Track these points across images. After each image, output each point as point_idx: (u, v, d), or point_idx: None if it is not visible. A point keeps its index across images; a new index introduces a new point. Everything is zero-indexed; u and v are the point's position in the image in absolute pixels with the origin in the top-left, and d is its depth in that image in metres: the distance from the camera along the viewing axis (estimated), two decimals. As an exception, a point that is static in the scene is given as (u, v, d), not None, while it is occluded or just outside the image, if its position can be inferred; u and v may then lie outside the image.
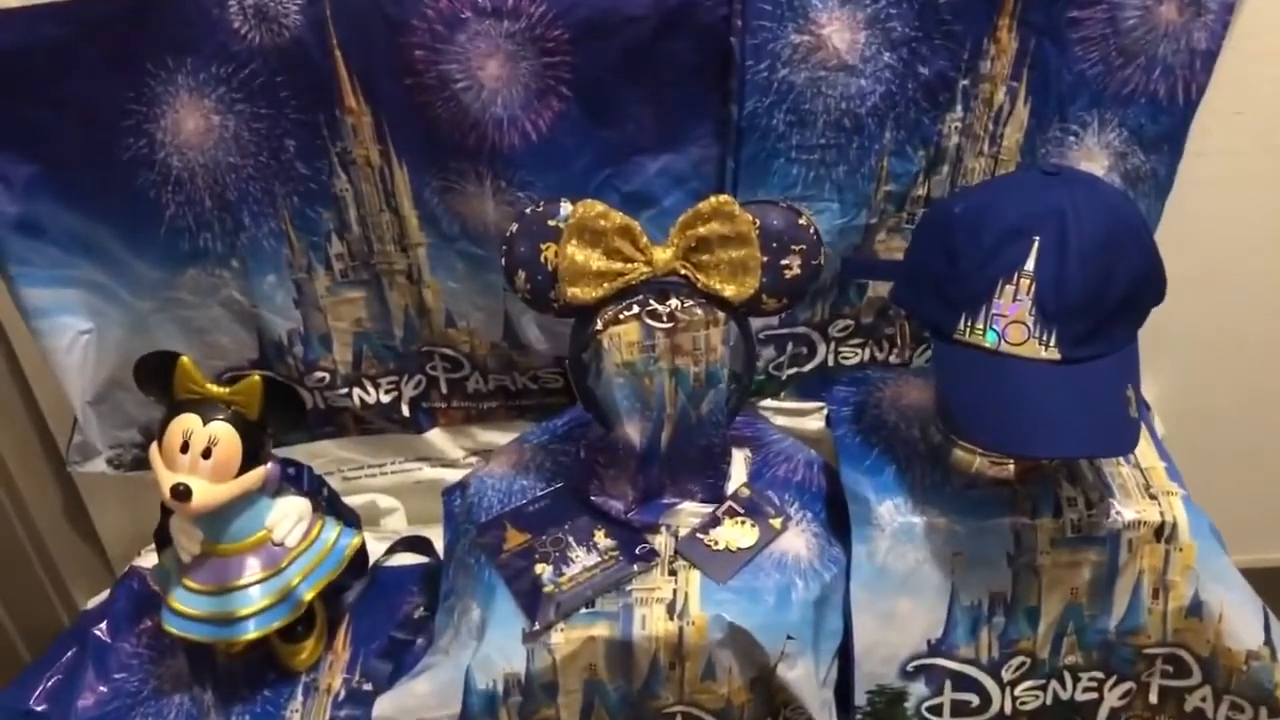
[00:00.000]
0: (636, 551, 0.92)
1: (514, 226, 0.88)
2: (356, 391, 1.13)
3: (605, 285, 0.86)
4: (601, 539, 0.94)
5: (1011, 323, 0.82)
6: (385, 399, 1.14)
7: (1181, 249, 0.85)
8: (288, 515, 0.96)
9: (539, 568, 0.91)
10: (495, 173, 0.97)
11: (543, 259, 0.87)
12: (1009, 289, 0.82)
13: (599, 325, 0.87)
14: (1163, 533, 0.90)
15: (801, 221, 0.87)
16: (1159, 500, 0.91)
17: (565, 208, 0.86)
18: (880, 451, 0.98)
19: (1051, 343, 0.82)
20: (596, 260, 0.86)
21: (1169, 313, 0.88)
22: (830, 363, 1.15)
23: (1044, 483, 0.93)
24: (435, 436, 1.18)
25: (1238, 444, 1.24)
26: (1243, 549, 0.91)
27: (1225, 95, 0.98)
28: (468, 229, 1.02)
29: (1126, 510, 0.90)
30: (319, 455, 1.18)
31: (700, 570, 0.91)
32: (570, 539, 0.94)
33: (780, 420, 1.17)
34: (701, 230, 0.85)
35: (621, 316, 0.87)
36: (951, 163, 1.02)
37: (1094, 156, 1.01)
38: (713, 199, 0.84)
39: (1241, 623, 0.89)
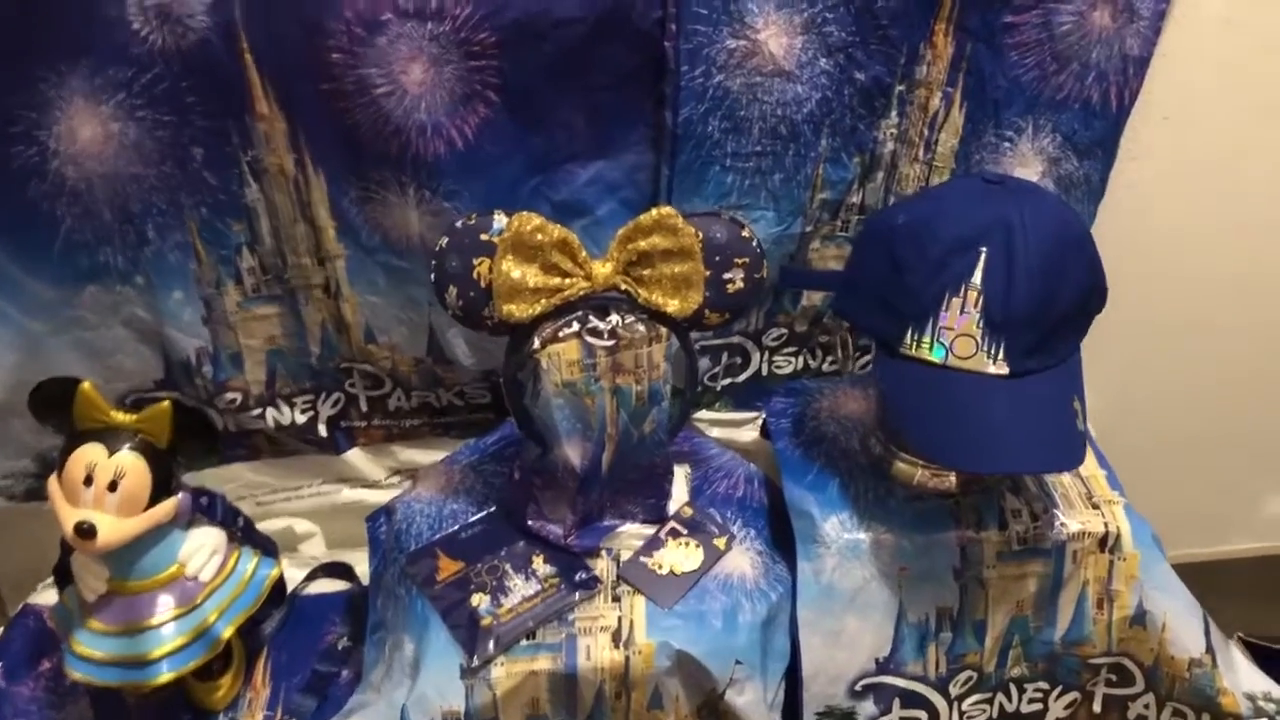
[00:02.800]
0: (578, 578, 0.88)
1: (444, 240, 0.83)
2: (270, 412, 1.06)
3: (542, 302, 0.83)
4: (540, 566, 0.90)
5: (959, 336, 0.81)
6: (301, 419, 1.08)
7: (1112, 252, 0.84)
8: (202, 548, 0.90)
9: (475, 598, 0.87)
10: (419, 181, 0.92)
11: (475, 275, 0.83)
12: (956, 302, 0.80)
13: (536, 344, 0.83)
14: (1106, 543, 0.90)
15: (744, 234, 0.84)
16: (1101, 510, 0.91)
17: (499, 221, 0.82)
18: (822, 465, 0.96)
19: (999, 356, 0.80)
20: (533, 276, 0.82)
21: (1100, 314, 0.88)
22: (764, 372, 1.13)
23: (987, 494, 0.92)
24: (355, 457, 1.13)
25: (1166, 443, 1.26)
26: (1170, 545, 0.92)
27: (1155, 100, 0.98)
28: (389, 240, 0.96)
29: (1071, 521, 0.90)
30: (231, 480, 1.11)
31: (645, 595, 0.87)
32: (507, 567, 0.90)
33: (715, 432, 1.14)
34: (643, 244, 0.82)
35: (560, 334, 0.83)
36: (886, 169, 1.00)
37: (1028, 162, 1.00)
38: (654, 211, 0.81)
39: (1184, 631, 0.90)
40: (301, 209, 0.95)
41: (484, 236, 0.82)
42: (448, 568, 0.91)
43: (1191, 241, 1.11)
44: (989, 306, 0.79)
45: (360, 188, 0.93)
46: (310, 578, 1.11)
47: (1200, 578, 0.97)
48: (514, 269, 0.81)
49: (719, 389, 1.13)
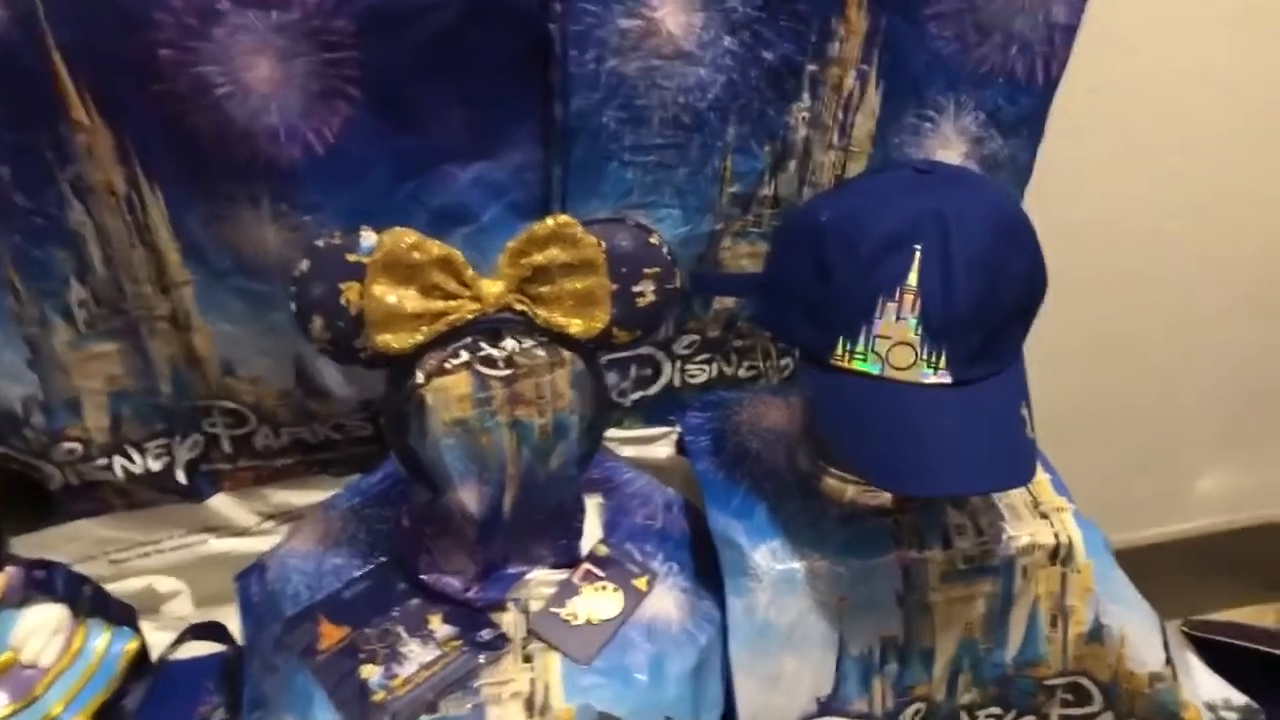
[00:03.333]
0: (482, 638, 0.78)
1: (304, 264, 0.72)
2: (118, 461, 0.93)
3: (424, 329, 0.72)
4: (439, 626, 0.79)
5: (896, 344, 0.72)
6: (155, 466, 0.95)
7: (1040, 236, 0.77)
8: (38, 630, 0.78)
9: (365, 670, 0.76)
10: (273, 193, 0.80)
11: (344, 301, 0.71)
12: (891, 306, 0.72)
13: (420, 378, 0.72)
14: (1058, 555, 0.83)
15: (653, 240, 0.75)
16: (1050, 519, 0.84)
17: (369, 239, 0.71)
18: (748, 487, 0.87)
19: (941, 364, 0.72)
20: (411, 300, 0.71)
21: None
22: (677, 383, 1.03)
23: (927, 510, 0.84)
24: (220, 503, 1.00)
25: (1096, 427, 1.20)
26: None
27: (1083, 72, 0.91)
28: (243, 262, 0.84)
29: (1019, 534, 0.83)
30: (76, 538, 0.97)
31: (560, 651, 0.77)
32: (401, 630, 0.79)
33: (627, 450, 1.04)
34: (538, 258, 0.71)
35: (448, 365, 0.72)
36: (799, 157, 0.91)
37: (950, 143, 0.93)
38: (550, 220, 0.71)
39: (1143, 643, 0.84)
40: (138, 231, 0.81)
41: (351, 257, 0.71)
42: (331, 634, 0.80)
43: (1120, 220, 1.05)
44: (927, 310, 0.71)
45: (206, 204, 0.81)
46: (179, 641, 0.97)
47: (1134, 562, 0.91)
48: (388, 293, 0.70)
49: (628, 404, 1.03)
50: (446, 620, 0.80)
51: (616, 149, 0.85)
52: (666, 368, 1.02)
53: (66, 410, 0.89)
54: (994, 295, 0.73)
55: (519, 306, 0.73)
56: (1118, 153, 1.01)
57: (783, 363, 1.04)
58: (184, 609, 1.03)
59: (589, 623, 0.79)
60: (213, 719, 0.91)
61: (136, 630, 0.92)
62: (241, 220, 0.81)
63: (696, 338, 1.00)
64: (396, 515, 0.87)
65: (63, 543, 0.97)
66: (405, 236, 0.69)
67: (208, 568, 1.01)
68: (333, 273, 0.71)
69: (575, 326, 0.73)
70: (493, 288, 0.72)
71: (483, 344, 0.73)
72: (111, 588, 0.99)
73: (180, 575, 1.03)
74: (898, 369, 0.73)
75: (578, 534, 0.84)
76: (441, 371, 0.72)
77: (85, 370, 0.88)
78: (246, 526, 1.02)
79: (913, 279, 0.71)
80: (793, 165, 0.91)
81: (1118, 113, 0.98)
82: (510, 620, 0.80)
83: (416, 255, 0.69)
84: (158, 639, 0.97)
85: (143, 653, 0.90)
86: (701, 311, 0.98)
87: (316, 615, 0.81)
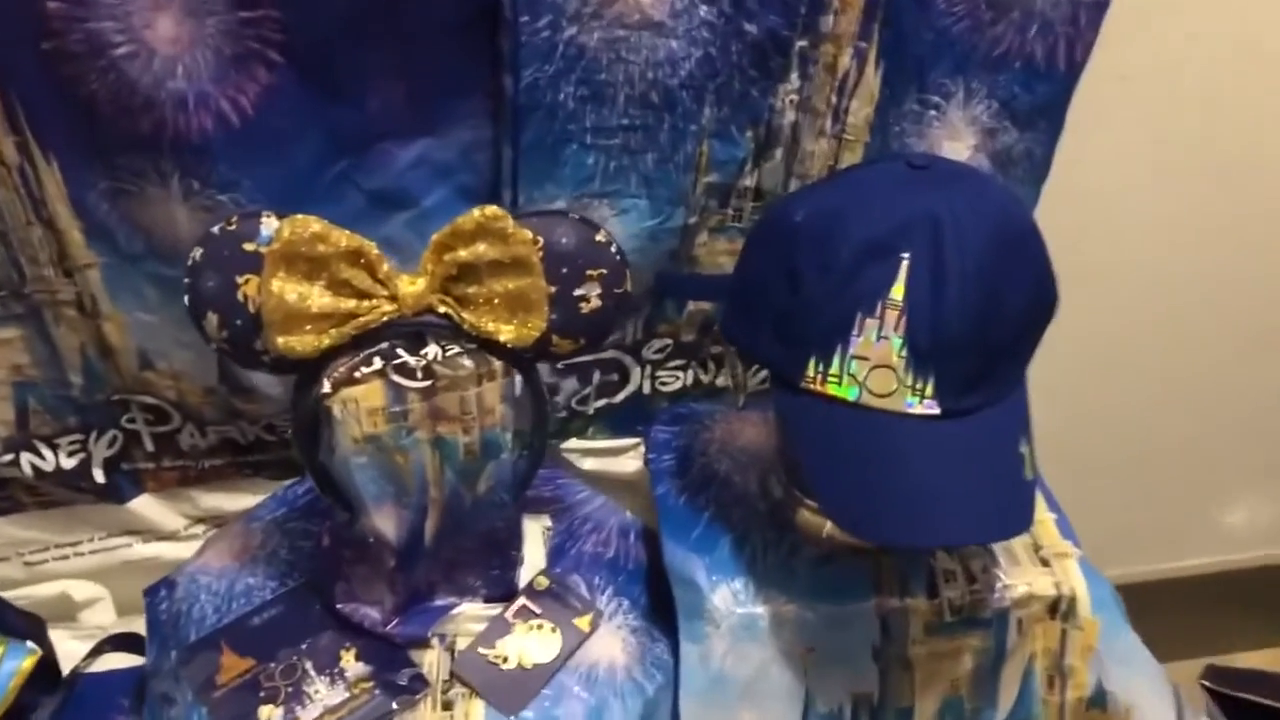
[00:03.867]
0: (398, 679, 0.69)
1: (197, 252, 0.63)
2: (27, 457, 0.85)
3: (331, 332, 0.62)
4: (351, 664, 0.70)
5: (876, 367, 0.62)
6: (69, 463, 0.86)
7: (1054, 242, 0.67)
8: (-83, 646, 0.69)
9: (264, 711, 0.68)
10: (183, 169, 0.71)
11: (240, 296, 0.62)
12: (871, 324, 0.62)
13: (326, 387, 0.63)
14: (1058, 608, 0.73)
15: (599, 238, 0.65)
16: (1052, 566, 0.74)
17: (268, 226, 0.62)
18: (711, 516, 0.78)
19: (928, 392, 0.62)
20: (317, 297, 0.61)
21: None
22: (647, 390, 0.93)
23: (912, 552, 0.74)
24: (143, 505, 0.91)
25: (1114, 454, 1.10)
26: (1119, 563, 0.76)
27: (1112, 57, 0.80)
28: (155, 245, 0.75)
29: (1015, 582, 0.73)
30: (-14, 538, 0.89)
31: (484, 700, 0.68)
32: (308, 666, 0.70)
33: (589, 463, 0.95)
34: (463, 254, 0.62)
35: (358, 374, 0.63)
36: (786, 145, 0.81)
37: (958, 134, 0.82)
38: (476, 212, 0.61)
39: (1152, 714, 0.73)
40: (34, 207, 0.73)
41: (248, 246, 0.62)
42: (233, 666, 0.71)
43: (1149, 229, 0.94)
44: (914, 329, 0.61)
45: (109, 178, 0.72)
46: (95, 652, 0.90)
47: (1152, 596, 0.81)
48: (289, 289, 0.61)
49: (591, 412, 0.93)
50: (361, 657, 0.71)
51: (575, 130, 0.75)
52: (635, 374, 0.92)
53: (-35, 401, 0.80)
54: (993, 313, 0.62)
55: (442, 309, 0.64)
56: (1148, 149, 0.90)
57: (765, 373, 0.94)
58: (104, 617, 0.95)
59: (520, 667, 0.70)
60: (125, 738, 0.84)
61: (43, 642, 0.85)
62: (149, 198, 0.72)
63: (669, 342, 0.90)
64: (320, 532, 0.78)
65: (-30, 542, 0.89)
66: (307, 224, 0.60)
67: (131, 573, 0.93)
68: (229, 263, 0.62)
69: (506, 333, 0.64)
70: (412, 287, 0.63)
71: (400, 351, 0.64)
72: (26, 592, 0.92)
73: (101, 580, 0.95)
74: (877, 396, 0.63)
75: (514, 563, 0.75)
76: (351, 381, 0.63)
77: (-17, 358, 0.79)
78: (174, 530, 0.93)
79: (898, 292, 0.61)
80: (779, 154, 0.81)
81: (1150, 102, 0.86)
82: (432, 660, 0.71)
83: (321, 247, 0.60)
84: (74, 648, 0.89)
85: (48, 666, 0.83)
86: (675, 314, 0.88)
87: (219, 643, 0.73)
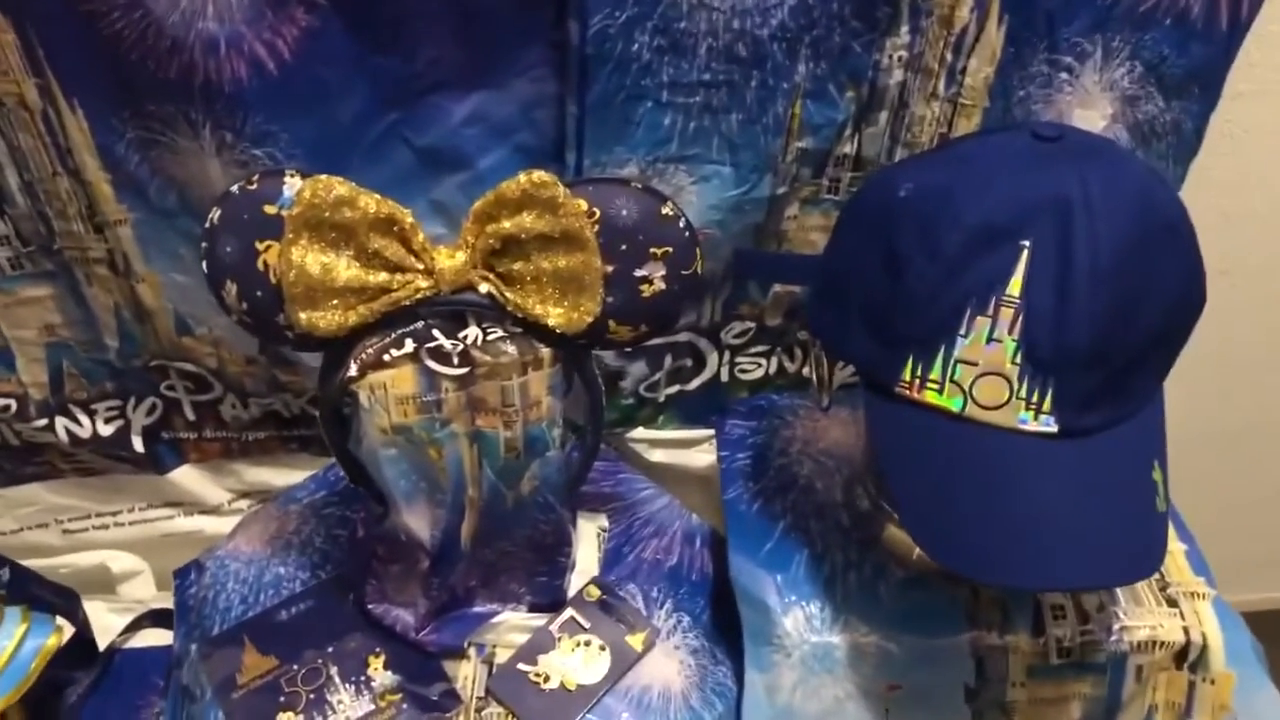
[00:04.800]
0: (430, 694, 0.63)
1: (214, 214, 0.56)
2: (62, 422, 0.80)
3: (359, 308, 0.55)
4: (379, 672, 0.64)
5: (984, 375, 0.53)
6: (107, 430, 0.82)
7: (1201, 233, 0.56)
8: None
9: (282, 718, 0.61)
10: (215, 119, 0.64)
11: (260, 265, 0.55)
12: (982, 322, 0.52)
13: (353, 370, 0.56)
14: (1186, 656, 0.63)
15: (664, 211, 0.56)
16: (1181, 607, 0.64)
17: (290, 186, 0.55)
18: (787, 527, 0.69)
19: (1045, 406, 0.53)
20: (343, 269, 0.54)
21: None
22: (724, 377, 0.85)
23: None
24: (185, 476, 0.86)
25: (1249, 473, 0.97)
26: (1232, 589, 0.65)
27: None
28: (188, 200, 0.69)
29: (1136, 625, 0.63)
30: (25, 503, 0.86)
31: (520, 722, 0.61)
32: (333, 671, 0.64)
33: (657, 455, 0.87)
34: (507, 225, 0.54)
35: (388, 357, 0.56)
36: (892, 109, 0.71)
37: (1093, 101, 0.71)
38: (522, 176, 0.53)
39: (1294, 788, 0.63)
40: (60, 156, 0.67)
41: (269, 209, 0.55)
42: (255, 665, 0.66)
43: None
44: (1032, 331, 0.52)
45: (138, 127, 0.66)
46: (132, 627, 0.85)
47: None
48: (311, 260, 0.54)
49: (661, 400, 0.85)
50: (390, 665, 0.64)
51: (650, 85, 0.66)
52: (712, 359, 0.83)
53: (-3, 361, 0.76)
54: (1129, 316, 0.52)
55: (483, 287, 0.56)
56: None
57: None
58: (144, 591, 0.91)
59: (563, 687, 0.63)
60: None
61: (76, 617, 0.81)
62: (180, 151, 0.66)
63: (751, 326, 0.81)
64: (355, 521, 0.72)
65: (10, 507, 0.85)
66: (331, 186, 0.52)
67: (173, 547, 0.88)
68: (248, 227, 0.55)
69: (555, 317, 0.56)
70: (450, 260, 0.55)
71: (436, 332, 0.57)
72: (63, 560, 0.88)
73: (141, 553, 0.90)
74: (985, 408, 0.53)
75: (563, 568, 0.68)
76: (380, 364, 0.56)
77: (14, 317, 0.74)
78: (217, 504, 0.88)
79: (1015, 287, 0.52)
80: (883, 118, 0.71)
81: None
82: (467, 673, 0.64)
83: (348, 212, 0.53)
84: (112, 622, 0.85)
85: (82, 641, 0.79)
86: (758, 295, 0.79)
87: (243, 638, 0.67)
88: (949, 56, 0.69)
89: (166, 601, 0.87)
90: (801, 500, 0.71)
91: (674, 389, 0.85)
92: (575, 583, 0.68)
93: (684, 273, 0.57)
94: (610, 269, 0.56)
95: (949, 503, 0.54)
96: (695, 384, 0.85)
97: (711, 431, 0.86)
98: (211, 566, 0.72)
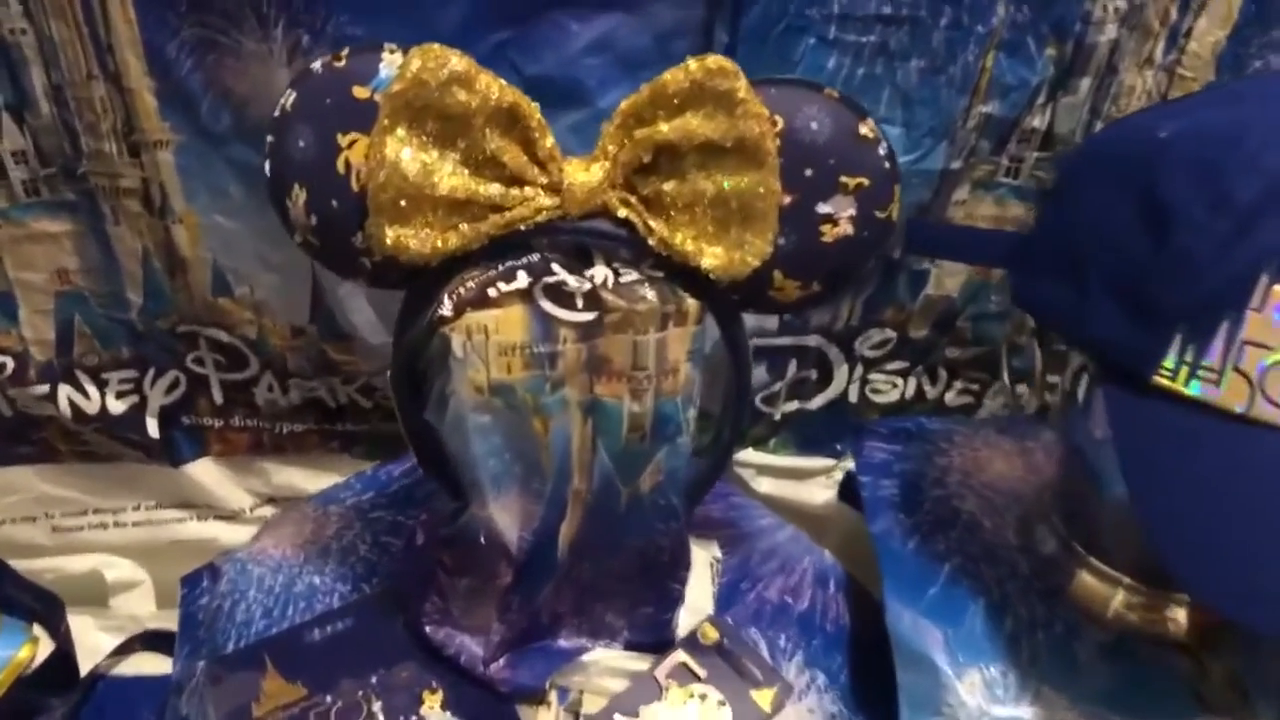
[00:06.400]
0: (497, 745, 0.48)
1: (287, 98, 0.45)
2: (66, 391, 0.67)
3: (461, 228, 0.43)
4: (435, 713, 0.50)
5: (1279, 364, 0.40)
6: (118, 406, 0.69)
7: None
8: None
9: (307, 767, 0.47)
10: (290, 15, 0.53)
11: (341, 165, 0.43)
12: (1279, 293, 0.39)
13: (447, 308, 0.43)
14: None
15: (862, 131, 0.44)
16: None
17: (389, 64, 0.43)
18: (953, 572, 0.55)
19: (1363, 408, 0.39)
20: (447, 173, 0.42)
21: None
22: (853, 397, 0.72)
23: (1252, 650, 0.51)
24: (203, 471, 0.73)
25: None
26: None
27: None
28: (245, 122, 0.57)
29: None
30: (11, 490, 0.73)
31: (615, 793, 0.47)
32: (377, 708, 0.50)
33: (765, 484, 0.73)
34: (665, 129, 0.41)
35: (494, 292, 0.43)
36: (1097, 74, 0.59)
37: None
38: (693, 63, 0.41)
39: None
40: (98, 54, 0.55)
41: (360, 92, 0.43)
42: (276, 693, 0.52)
43: None
44: (1349, 309, 0.39)
45: (195, 23, 0.54)
46: (123, 649, 0.71)
47: None
48: (410, 157, 0.41)
49: (778, 418, 0.72)
50: (449, 705, 0.50)
51: (815, 16, 0.55)
52: (841, 372, 0.70)
53: (-5, 308, 0.63)
54: None
55: (622, 212, 0.43)
56: None
57: (1018, 390, 0.71)
58: (141, 606, 0.77)
59: (670, 750, 0.49)
60: (144, 763, 0.65)
61: (57, 629, 0.67)
62: (243, 56, 0.55)
63: (892, 335, 0.69)
64: (413, 526, 0.58)
65: (-7, 496, 0.72)
66: (447, 59, 0.40)
67: (179, 556, 0.74)
68: (330, 116, 0.43)
69: (711, 258, 0.43)
70: (584, 173, 0.43)
71: (556, 266, 0.44)
72: (50, 564, 0.75)
73: (143, 561, 0.77)
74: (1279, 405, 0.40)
75: (673, 599, 0.53)
76: (484, 301, 0.43)
77: (22, 256, 0.62)
78: (237, 509, 0.75)
79: (1324, 251, 0.39)
80: (1084, 85, 0.59)
81: None
82: (546, 723, 0.50)
83: (463, 95, 0.40)
84: (99, 641, 0.72)
85: (62, 659, 0.66)
86: (906, 297, 0.67)
87: (263, 658, 0.53)
88: (1174, 14, 0.57)
89: (167, 622, 0.73)
90: (967, 540, 0.57)
91: (793, 406, 0.71)
92: (685, 621, 0.54)
93: (878, 214, 0.45)
94: (788, 199, 0.43)
95: (1231, 533, 0.40)
96: (818, 402, 0.71)
97: (831, 462, 0.73)
98: (229, 571, 0.59)
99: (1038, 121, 0.60)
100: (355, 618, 0.55)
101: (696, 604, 0.55)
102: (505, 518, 0.47)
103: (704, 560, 0.58)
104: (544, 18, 0.56)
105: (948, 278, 0.66)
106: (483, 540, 0.48)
